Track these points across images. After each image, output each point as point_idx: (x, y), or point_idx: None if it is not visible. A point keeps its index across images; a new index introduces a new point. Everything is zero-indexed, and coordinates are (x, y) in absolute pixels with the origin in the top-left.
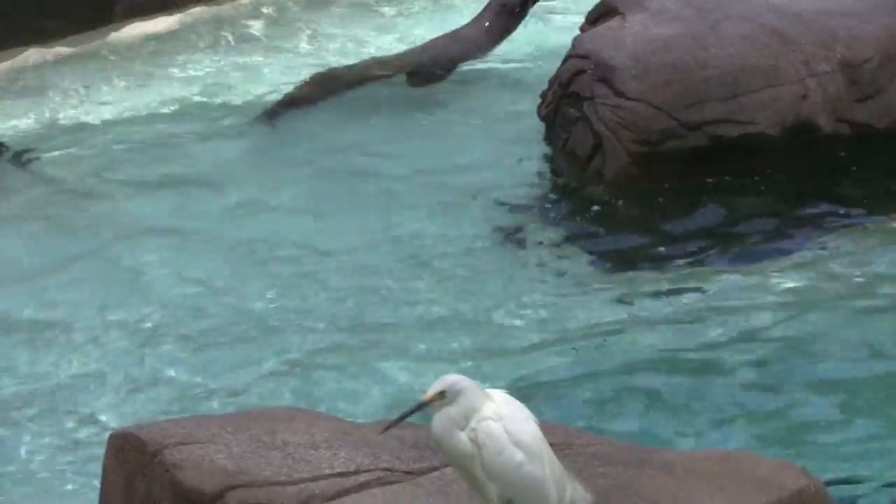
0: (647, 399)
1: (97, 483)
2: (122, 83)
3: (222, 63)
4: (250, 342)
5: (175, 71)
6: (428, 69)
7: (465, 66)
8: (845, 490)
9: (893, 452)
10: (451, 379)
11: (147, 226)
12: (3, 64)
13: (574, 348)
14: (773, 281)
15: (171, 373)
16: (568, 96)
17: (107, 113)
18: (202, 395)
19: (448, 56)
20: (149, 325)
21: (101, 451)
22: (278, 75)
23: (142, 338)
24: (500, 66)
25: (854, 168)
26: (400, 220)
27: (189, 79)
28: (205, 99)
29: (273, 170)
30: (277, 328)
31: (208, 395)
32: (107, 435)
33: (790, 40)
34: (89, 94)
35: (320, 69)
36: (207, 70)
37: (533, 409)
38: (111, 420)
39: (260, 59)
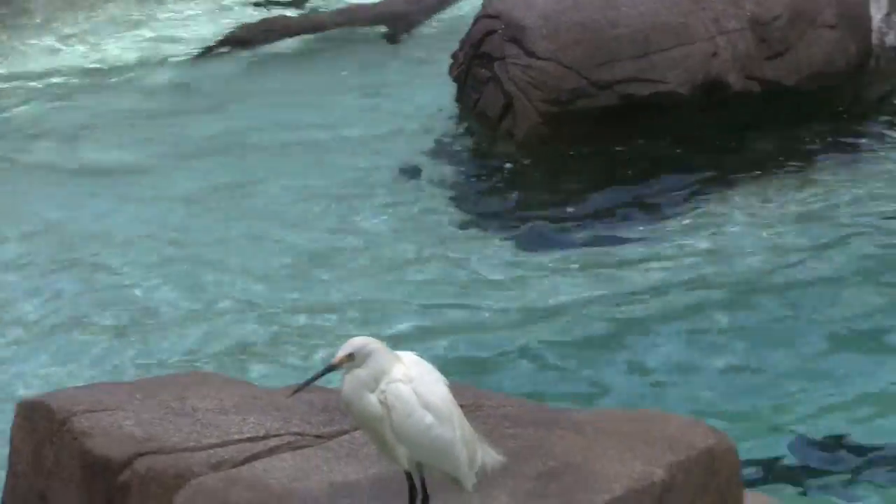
0: (558, 358)
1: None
2: (47, 41)
3: (157, 16)
4: (145, 318)
5: (108, 26)
6: (408, 17)
7: (379, 27)
8: (758, 448)
9: (809, 408)
10: (360, 341)
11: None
12: None
13: (482, 307)
14: (681, 239)
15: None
16: (479, 57)
17: (22, 71)
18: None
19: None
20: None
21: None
22: (215, 25)
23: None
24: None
25: (763, 125)
26: (306, 180)
27: (121, 33)
28: (133, 54)
29: (168, 125)
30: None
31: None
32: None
33: None
34: (13, 52)
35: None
36: (138, 19)
37: (443, 370)
38: None
39: (195, 11)
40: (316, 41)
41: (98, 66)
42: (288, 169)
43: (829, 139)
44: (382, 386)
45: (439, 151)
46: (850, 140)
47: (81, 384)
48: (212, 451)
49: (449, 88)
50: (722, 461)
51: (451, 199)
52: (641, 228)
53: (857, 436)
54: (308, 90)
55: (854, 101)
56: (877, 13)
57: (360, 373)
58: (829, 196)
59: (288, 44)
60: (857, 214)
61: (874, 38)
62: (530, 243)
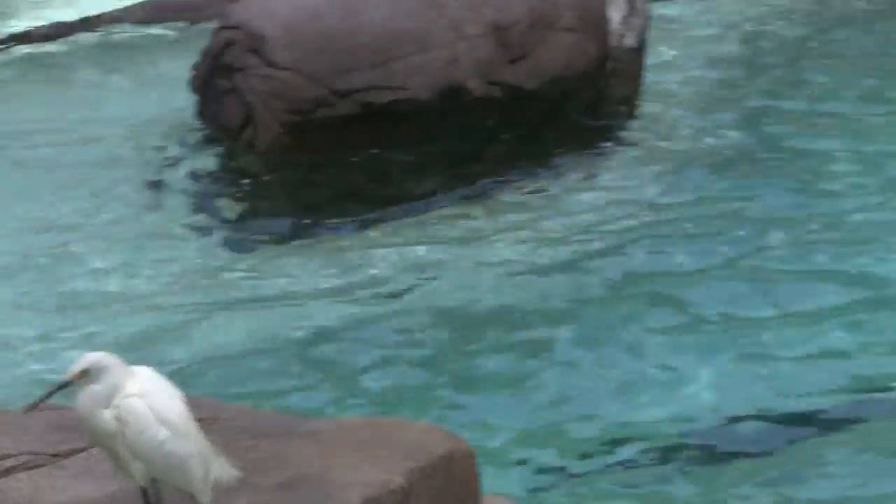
0: (300, 369)
1: None
2: None
3: None
4: None
5: None
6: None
7: (127, 34)
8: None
9: (553, 413)
10: (95, 356)
11: None
12: None
13: (222, 320)
14: (422, 249)
15: None
16: (220, 68)
17: None
18: None
19: None
20: None
21: None
22: None
23: None
24: (161, 32)
25: (506, 130)
26: (38, 197)
27: None
28: None
29: None
30: None
31: None
32: None
33: (440, 4)
34: None
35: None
36: None
37: (182, 384)
38: None
39: None
40: (75, 45)
41: None
42: (10, 185)
43: (571, 143)
44: (117, 401)
45: (180, 164)
46: (590, 143)
47: None
48: None
49: (192, 100)
50: (460, 466)
51: (192, 212)
52: (383, 236)
53: (615, 439)
54: (43, 98)
55: (594, 104)
56: (615, 15)
57: (95, 388)
58: (569, 200)
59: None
60: (598, 219)
61: (613, 41)
62: (271, 255)
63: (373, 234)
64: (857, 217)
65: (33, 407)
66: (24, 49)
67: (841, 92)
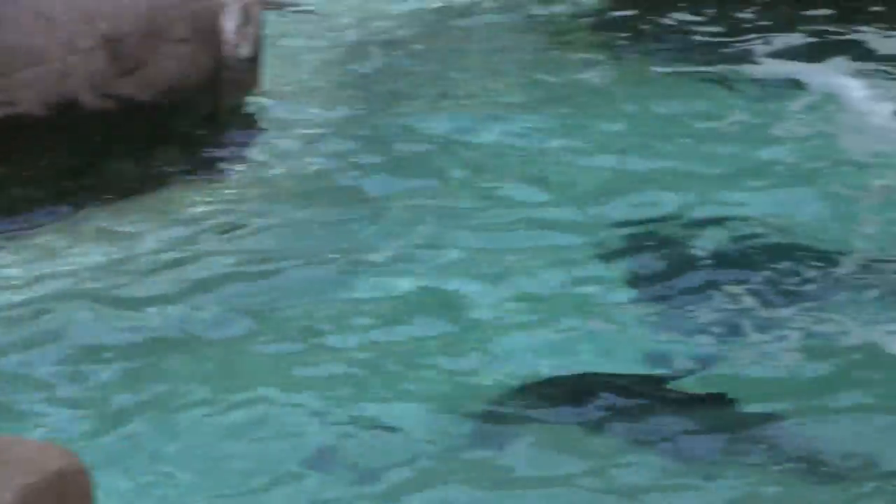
0: None
1: None
2: None
3: None
4: None
5: None
6: None
7: None
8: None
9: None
10: None
11: None
12: None
13: None
14: (37, 266)
15: None
16: None
17: None
18: None
19: None
20: None
21: None
22: None
23: None
24: None
25: (123, 143)
26: None
27: None
28: None
29: None
30: None
31: None
32: None
33: (51, 18)
34: None
35: None
36: None
37: None
38: None
39: None
40: None
41: None
42: None
43: (187, 154)
44: None
45: None
46: (200, 160)
47: None
48: None
49: None
50: (75, 482)
51: None
52: None
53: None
54: None
55: (209, 115)
56: (229, 24)
57: None
58: (173, 220)
59: None
60: (210, 242)
61: (227, 50)
62: None
63: None
64: (454, 239)
65: None
66: None
67: (468, 112)
